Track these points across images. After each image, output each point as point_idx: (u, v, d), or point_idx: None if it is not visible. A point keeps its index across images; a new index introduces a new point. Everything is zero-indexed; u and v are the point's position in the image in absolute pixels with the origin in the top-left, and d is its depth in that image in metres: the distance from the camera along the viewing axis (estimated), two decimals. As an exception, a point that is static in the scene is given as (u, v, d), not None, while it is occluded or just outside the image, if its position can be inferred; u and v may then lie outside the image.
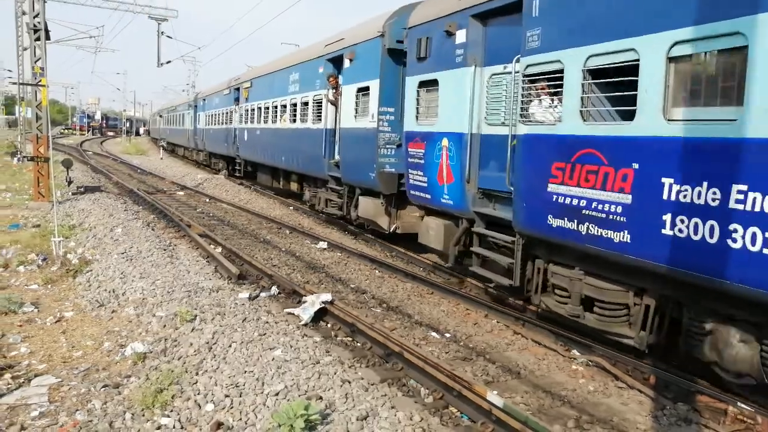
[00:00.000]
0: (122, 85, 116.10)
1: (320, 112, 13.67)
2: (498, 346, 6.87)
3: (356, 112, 11.61)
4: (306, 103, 14.74)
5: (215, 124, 27.17)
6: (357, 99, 11.60)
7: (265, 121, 18.60)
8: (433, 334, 7.19)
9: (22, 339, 6.37)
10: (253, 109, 20.19)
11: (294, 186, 17.38)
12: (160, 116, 52.82)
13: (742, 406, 5.20)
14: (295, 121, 15.65)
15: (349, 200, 12.64)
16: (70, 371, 5.56)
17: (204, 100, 30.74)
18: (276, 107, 17.49)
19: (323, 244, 12.25)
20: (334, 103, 12.95)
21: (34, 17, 16.28)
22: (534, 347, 6.88)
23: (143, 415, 4.65)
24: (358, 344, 6.66)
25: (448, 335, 7.18)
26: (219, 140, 26.04)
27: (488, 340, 7.06)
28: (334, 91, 13.00)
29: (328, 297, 7.55)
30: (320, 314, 7.37)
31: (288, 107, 16.21)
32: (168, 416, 4.64)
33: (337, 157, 13.05)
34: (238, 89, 22.79)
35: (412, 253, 11.15)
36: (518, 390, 5.65)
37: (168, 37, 37.71)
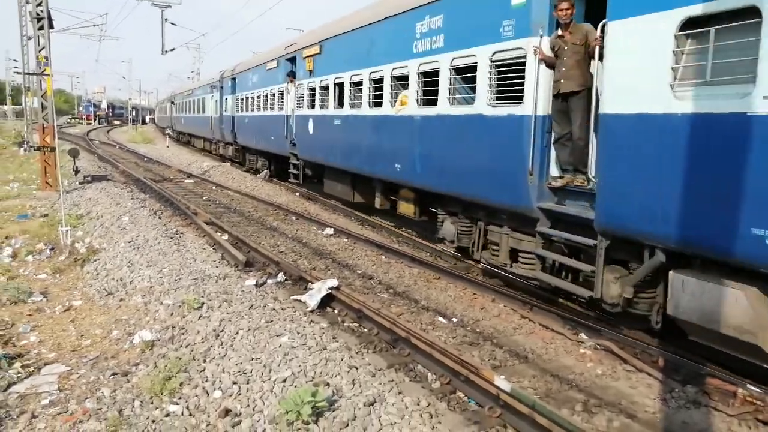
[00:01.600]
0: (127, 73, 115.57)
1: (513, 85, 7.40)
2: (505, 331, 6.86)
3: (700, 76, 4.90)
4: (467, 69, 8.29)
5: (253, 109, 21.25)
6: (699, 46, 4.95)
7: (352, 105, 12.38)
8: (440, 319, 7.19)
9: (31, 328, 6.42)
10: (325, 87, 13.94)
11: (406, 208, 11.09)
12: (172, 102, 47.23)
13: (752, 388, 5.17)
14: (432, 101, 9.29)
15: (608, 267, 6.06)
16: (79, 359, 5.61)
17: (234, 79, 24.33)
18: (376, 81, 11.20)
19: (329, 231, 12.25)
20: (551, 65, 6.89)
21: (37, 6, 16.23)
22: (541, 331, 6.86)
23: (152, 403, 4.69)
24: (365, 330, 6.67)
25: (455, 320, 7.18)
26: (260, 131, 20.26)
27: (495, 325, 7.05)
28: (559, 35, 6.74)
29: (334, 283, 7.55)
30: (327, 300, 7.37)
31: (413, 79, 9.76)
32: (176, 403, 4.67)
33: (555, 173, 7.11)
34: (293, 59, 16.45)
35: (419, 239, 11.13)
36: (526, 374, 5.65)
37: (172, 24, 37.91)
